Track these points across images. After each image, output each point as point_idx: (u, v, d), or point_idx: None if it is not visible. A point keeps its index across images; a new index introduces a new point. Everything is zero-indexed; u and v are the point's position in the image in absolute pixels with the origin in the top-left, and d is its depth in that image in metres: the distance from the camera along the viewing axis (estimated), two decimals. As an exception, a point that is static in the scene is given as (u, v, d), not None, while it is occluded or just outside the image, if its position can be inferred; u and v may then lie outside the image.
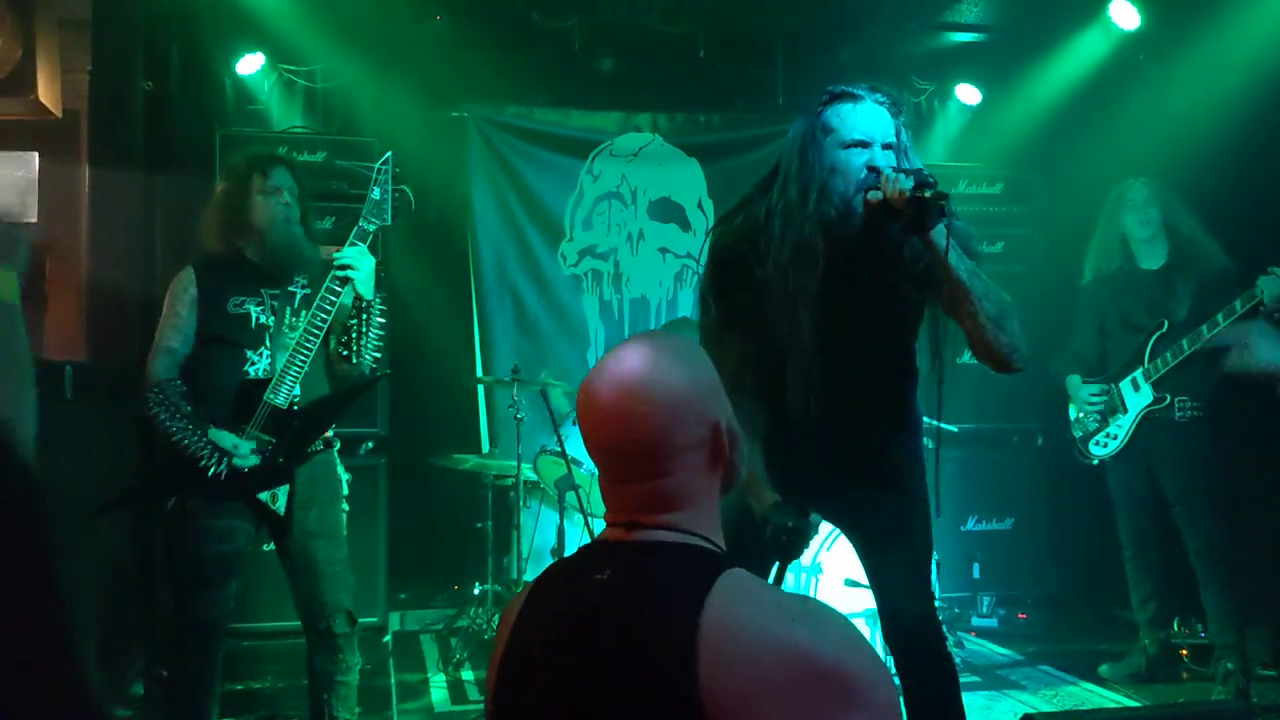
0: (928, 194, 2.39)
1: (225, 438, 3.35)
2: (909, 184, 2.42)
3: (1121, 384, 4.70)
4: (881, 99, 2.66)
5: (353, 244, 3.48)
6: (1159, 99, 5.44)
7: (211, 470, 3.33)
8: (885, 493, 2.81)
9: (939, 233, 2.45)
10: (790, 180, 2.64)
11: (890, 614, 2.85)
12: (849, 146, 2.59)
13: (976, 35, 6.19)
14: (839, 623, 1.35)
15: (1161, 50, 5.50)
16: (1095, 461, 4.82)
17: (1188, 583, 4.62)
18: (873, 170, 2.56)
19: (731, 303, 2.71)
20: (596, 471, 1.55)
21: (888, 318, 2.73)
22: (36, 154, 5.53)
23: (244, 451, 3.36)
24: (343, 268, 3.44)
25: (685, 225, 6.52)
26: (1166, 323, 4.60)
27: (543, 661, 1.44)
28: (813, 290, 2.59)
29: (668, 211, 6.51)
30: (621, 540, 1.47)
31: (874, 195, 2.51)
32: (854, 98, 2.64)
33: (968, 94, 6.44)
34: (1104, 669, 4.83)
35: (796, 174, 2.64)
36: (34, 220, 5.51)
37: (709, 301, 2.77)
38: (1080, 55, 5.87)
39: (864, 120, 2.61)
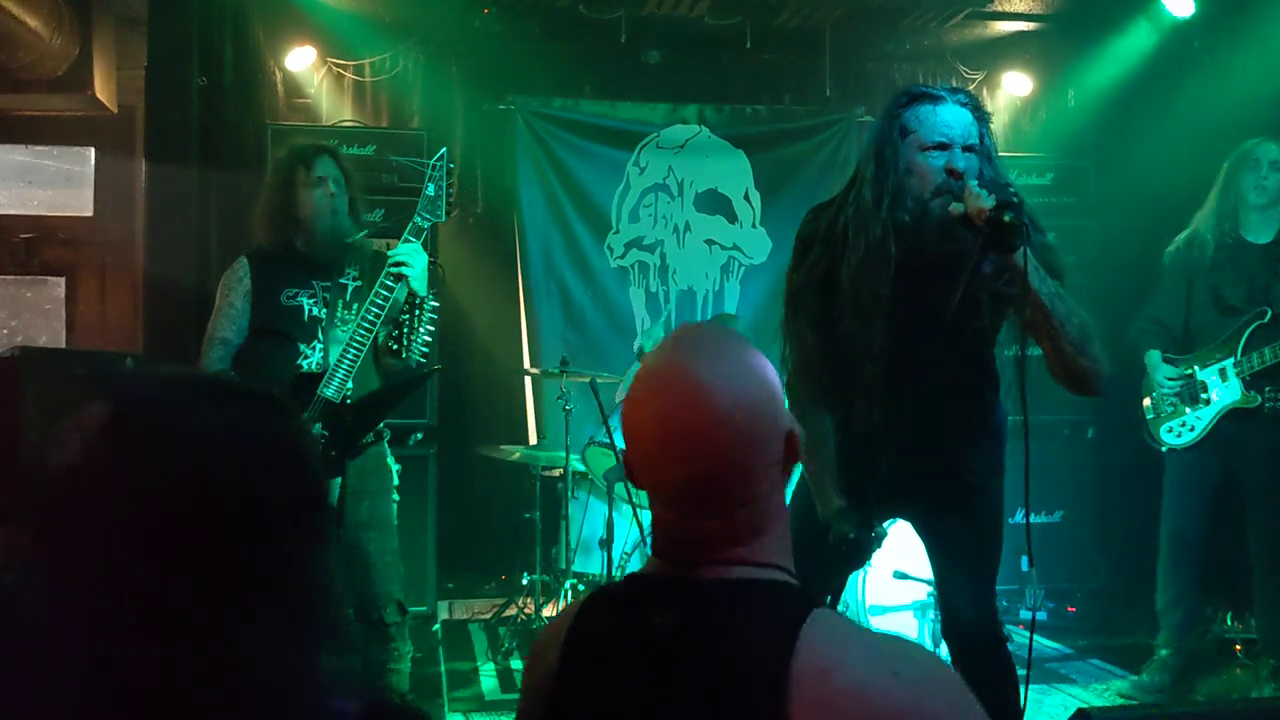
0: (1007, 217, 2.31)
1: None
2: (990, 202, 2.34)
3: (1205, 371, 4.34)
4: (964, 100, 2.58)
5: (407, 240, 3.49)
6: (1213, 87, 5.35)
7: None
8: (957, 495, 2.75)
9: (1020, 254, 2.35)
10: (866, 183, 2.58)
11: (951, 612, 2.83)
12: (928, 149, 2.53)
13: (1026, 23, 6.13)
14: (936, 669, 1.28)
15: (1216, 38, 5.42)
16: (1165, 449, 4.48)
17: (1236, 578, 4.53)
18: (953, 174, 2.48)
19: (811, 301, 2.66)
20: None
21: (964, 329, 2.64)
22: (93, 149, 5.65)
23: None
24: (397, 264, 3.45)
25: (732, 217, 6.52)
26: (1270, 312, 4.20)
27: (609, 707, 1.30)
28: (883, 295, 2.53)
29: (714, 203, 6.51)
30: (688, 578, 1.30)
31: (955, 208, 2.44)
32: (935, 99, 2.57)
33: (1017, 83, 6.38)
34: (1122, 685, 4.60)
35: (872, 177, 2.57)
36: (90, 214, 5.65)
37: (794, 301, 2.72)
38: (1132, 43, 5.80)
39: (944, 122, 2.53)
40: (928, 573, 4.57)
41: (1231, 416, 4.27)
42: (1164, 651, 4.40)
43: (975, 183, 2.43)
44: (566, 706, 1.32)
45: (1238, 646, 4.89)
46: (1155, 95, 5.78)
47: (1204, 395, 4.34)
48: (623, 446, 1.35)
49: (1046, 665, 4.95)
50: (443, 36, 6.07)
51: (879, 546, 2.57)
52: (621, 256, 6.42)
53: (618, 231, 6.41)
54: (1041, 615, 5.68)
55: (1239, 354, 4.24)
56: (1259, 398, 4.21)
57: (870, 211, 2.55)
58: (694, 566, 1.30)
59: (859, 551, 2.50)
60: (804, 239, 2.74)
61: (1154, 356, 4.49)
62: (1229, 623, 5.13)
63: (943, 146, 2.52)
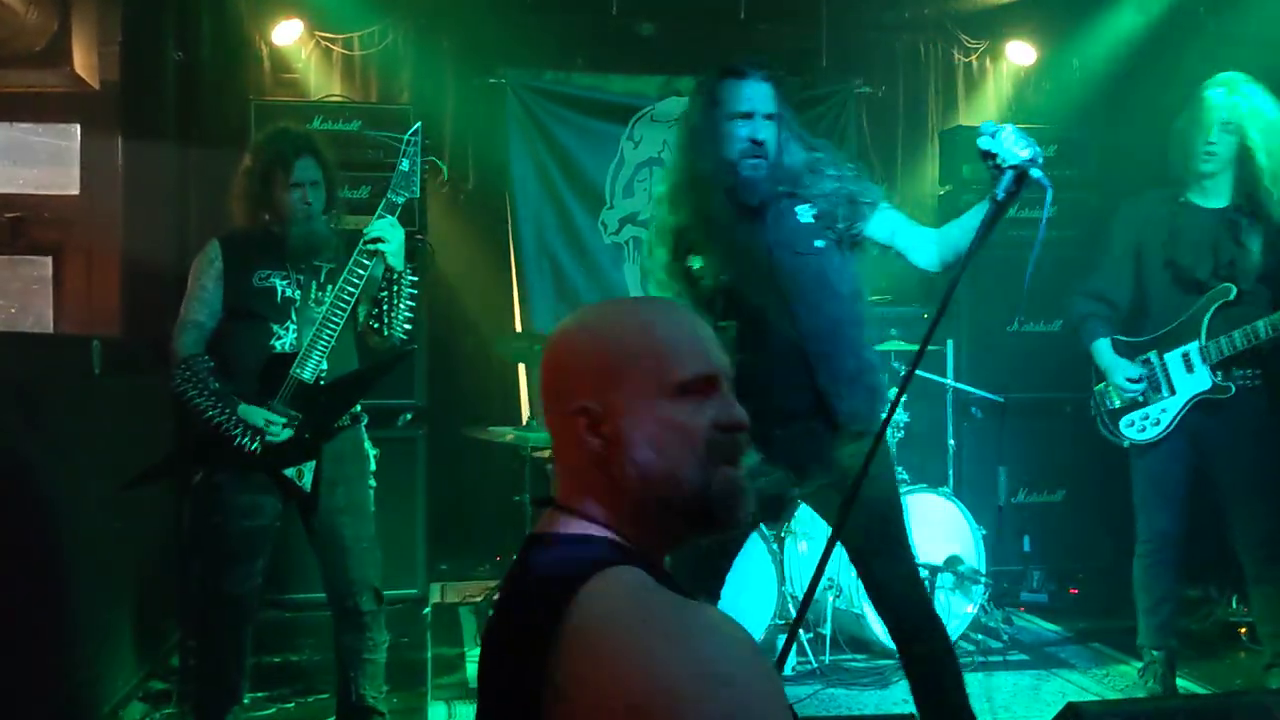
0: (1035, 174, 2.60)
1: (256, 414, 3.33)
2: (1035, 150, 2.61)
3: (1168, 356, 3.94)
4: (764, 75, 3.00)
5: (381, 216, 3.43)
6: (1218, 56, 5.20)
7: (247, 447, 3.31)
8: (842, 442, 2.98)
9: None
10: (684, 150, 3.10)
11: (874, 586, 3.09)
12: (733, 118, 2.97)
13: (1028, -8, 5.99)
14: (724, 637, 1.15)
15: (1221, 5, 5.27)
16: (1127, 444, 4.07)
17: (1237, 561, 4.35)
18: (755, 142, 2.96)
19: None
20: None
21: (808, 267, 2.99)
22: (78, 126, 5.56)
23: (277, 427, 3.33)
24: (373, 240, 3.40)
25: (727, 192, 6.39)
26: (1235, 289, 3.82)
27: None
28: (724, 252, 2.98)
29: (710, 178, 6.38)
30: (538, 533, 1.37)
31: (988, 145, 2.63)
32: (739, 74, 3.00)
33: (1020, 53, 6.23)
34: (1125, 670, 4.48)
35: (688, 145, 3.07)
36: (76, 192, 5.56)
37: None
38: (1137, 11, 5.65)
39: (746, 96, 2.98)
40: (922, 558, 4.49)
41: (1200, 405, 3.90)
42: (1155, 653, 4.11)
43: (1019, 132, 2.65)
44: None
45: (1242, 630, 4.79)
46: (1160, 65, 5.64)
47: (1169, 385, 3.96)
48: None
49: (1046, 650, 4.87)
50: (433, 9, 5.95)
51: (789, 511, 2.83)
52: (616, 232, 6.31)
53: (611, 207, 6.29)
54: (1042, 597, 5.59)
55: (1203, 338, 3.86)
56: (1232, 385, 3.85)
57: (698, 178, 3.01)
58: (551, 517, 1.35)
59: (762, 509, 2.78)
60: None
61: (1104, 348, 4.06)
62: (1234, 605, 5.03)
63: (746, 116, 2.96)
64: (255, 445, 3.31)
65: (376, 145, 5.25)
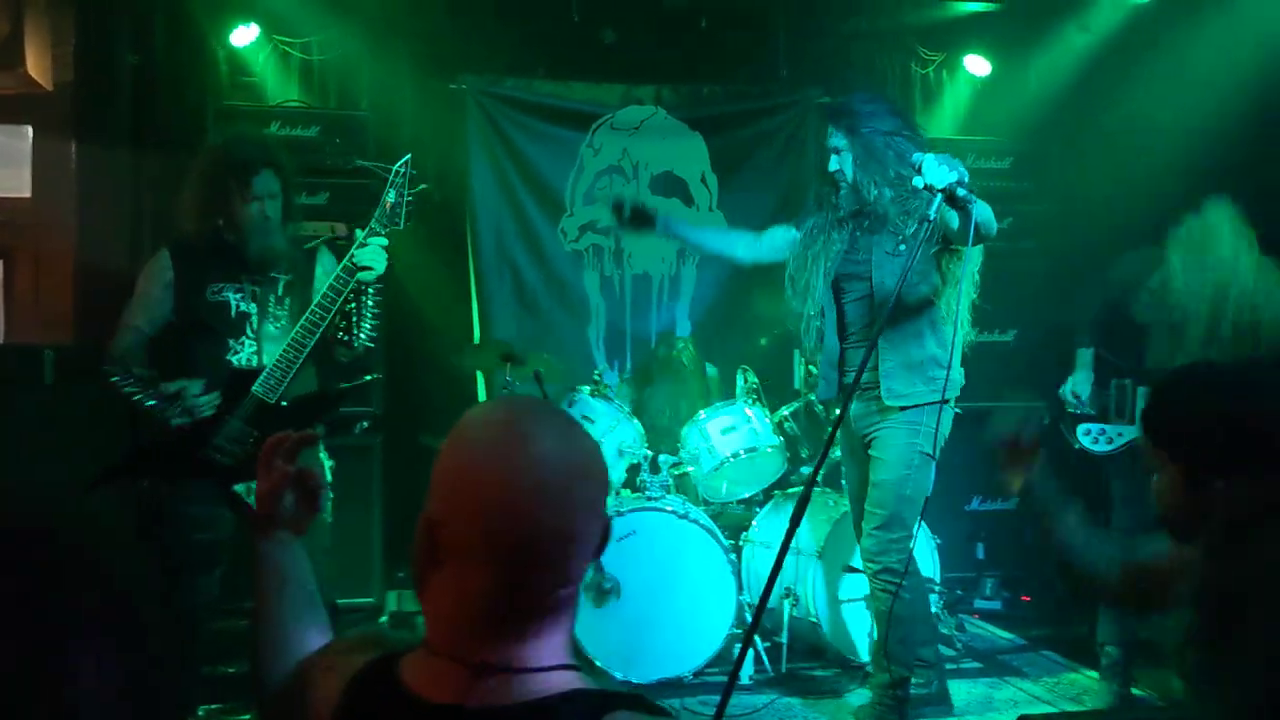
0: (961, 193, 3.18)
1: (172, 385, 3.30)
2: (959, 173, 3.18)
3: (1141, 389, 4.17)
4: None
5: (364, 245, 3.38)
6: (1174, 70, 5.29)
7: (174, 421, 3.27)
8: None
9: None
10: None
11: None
12: None
13: (986, 5, 6.05)
14: None
15: (1176, 19, 5.35)
16: (1077, 446, 4.29)
17: None
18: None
19: None
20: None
21: None
22: (30, 127, 5.48)
23: (194, 390, 3.29)
24: (362, 268, 3.37)
25: (689, 200, 6.41)
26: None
27: None
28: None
29: (671, 186, 6.39)
30: (479, 707, 1.23)
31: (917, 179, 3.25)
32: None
33: (977, 65, 6.29)
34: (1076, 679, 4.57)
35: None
36: (28, 195, 5.48)
37: None
38: (1093, 25, 5.72)
39: None
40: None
41: None
42: (1113, 650, 4.26)
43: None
44: None
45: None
46: (1116, 78, 5.72)
47: (1131, 414, 4.17)
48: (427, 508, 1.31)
49: (999, 657, 4.91)
50: (393, 14, 5.91)
51: None
52: (575, 240, 6.31)
53: (571, 214, 6.29)
54: (995, 605, 5.64)
55: None
56: None
57: None
58: (485, 675, 1.23)
59: None
60: None
61: (1084, 357, 4.33)
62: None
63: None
64: (183, 419, 3.28)
65: (337, 152, 5.20)
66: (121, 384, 3.35)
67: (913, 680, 4.07)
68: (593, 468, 1.29)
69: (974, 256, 3.70)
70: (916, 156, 3.26)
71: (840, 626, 4.64)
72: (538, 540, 1.23)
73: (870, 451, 3.91)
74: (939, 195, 3.16)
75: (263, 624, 1.62)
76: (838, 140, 3.78)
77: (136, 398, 3.33)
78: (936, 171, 3.14)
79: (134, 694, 0.88)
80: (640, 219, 3.92)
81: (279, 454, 1.64)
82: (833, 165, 3.80)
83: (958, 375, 3.82)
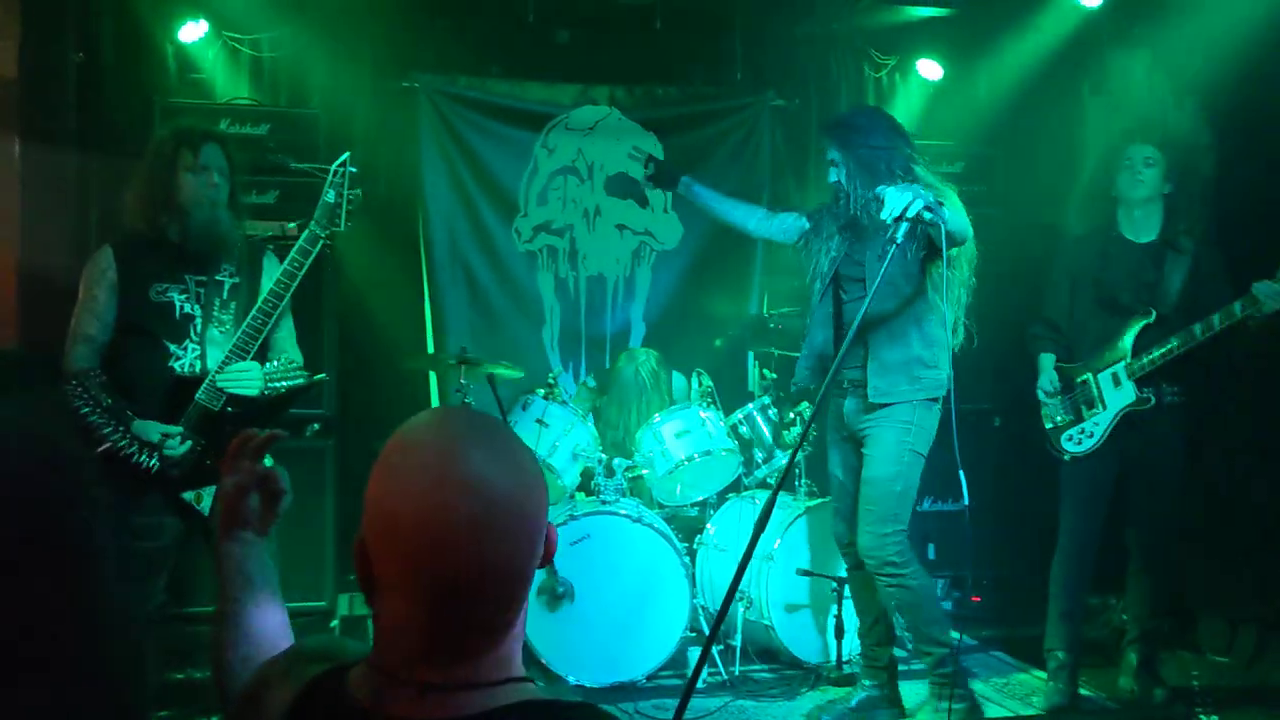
0: (927, 215, 3.41)
1: (151, 429, 3.25)
2: (920, 200, 3.37)
3: (1101, 376, 4.29)
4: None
5: (304, 250, 3.37)
6: (1121, 78, 5.37)
7: (144, 464, 3.22)
8: None
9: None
10: None
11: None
12: None
13: (938, 10, 6.09)
14: None
15: (1123, 29, 5.43)
16: (1068, 457, 4.39)
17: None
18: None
19: None
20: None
21: None
22: (-28, 125, 5.37)
23: (175, 440, 3.25)
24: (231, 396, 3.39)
25: (643, 201, 6.40)
26: (1155, 313, 4.20)
27: None
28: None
29: (625, 187, 6.35)
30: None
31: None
32: None
33: (929, 69, 6.33)
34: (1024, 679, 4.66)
35: None
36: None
37: None
38: (1044, 32, 5.79)
39: None
40: (831, 570, 4.55)
41: (1128, 419, 4.24)
42: (1061, 654, 4.35)
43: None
44: None
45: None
46: (1065, 85, 5.78)
47: (1101, 401, 4.30)
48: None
49: (950, 657, 4.93)
50: (345, 11, 5.84)
51: None
52: (529, 241, 6.28)
53: (525, 215, 6.26)
54: (946, 605, 5.69)
55: (1129, 356, 4.22)
56: (1152, 397, 4.19)
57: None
58: (428, 693, 1.21)
59: None
60: None
61: (1046, 362, 4.50)
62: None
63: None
64: (153, 462, 3.23)
65: (287, 149, 5.13)
66: (87, 414, 3.25)
67: (866, 682, 4.14)
68: (531, 492, 1.24)
69: (963, 261, 3.87)
70: (879, 189, 3.55)
71: (793, 630, 4.67)
72: (471, 577, 1.19)
73: (863, 449, 4.01)
74: (904, 223, 3.37)
75: (226, 625, 1.60)
76: (832, 153, 4.00)
77: (103, 431, 3.25)
78: (898, 199, 3.35)
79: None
80: (663, 178, 4.42)
81: (245, 453, 1.63)
82: (831, 177, 4.02)
83: (944, 374, 3.89)
